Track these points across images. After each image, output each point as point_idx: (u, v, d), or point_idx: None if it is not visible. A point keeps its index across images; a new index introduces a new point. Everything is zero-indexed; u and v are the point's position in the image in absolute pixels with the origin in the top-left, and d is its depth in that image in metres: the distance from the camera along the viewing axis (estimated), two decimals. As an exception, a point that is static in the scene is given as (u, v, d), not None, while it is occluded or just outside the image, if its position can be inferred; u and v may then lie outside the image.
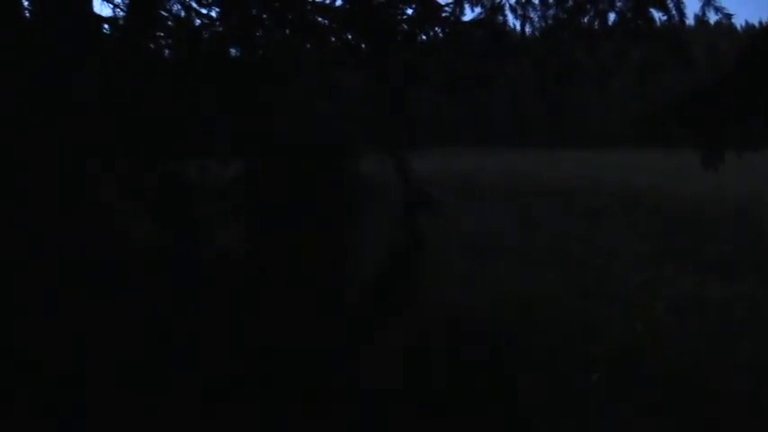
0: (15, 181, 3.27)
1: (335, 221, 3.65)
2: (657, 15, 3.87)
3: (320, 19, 4.60)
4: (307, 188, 3.57)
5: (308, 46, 4.73)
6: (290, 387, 3.20)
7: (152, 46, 4.27)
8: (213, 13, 4.63)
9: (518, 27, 4.29)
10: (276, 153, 3.75)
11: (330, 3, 4.47)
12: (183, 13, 4.62)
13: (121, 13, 4.45)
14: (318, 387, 3.18)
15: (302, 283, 3.53)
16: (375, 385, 3.31)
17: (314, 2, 4.51)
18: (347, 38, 4.54)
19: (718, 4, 3.72)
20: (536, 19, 4.18)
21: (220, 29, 4.47)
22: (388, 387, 3.31)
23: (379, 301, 3.92)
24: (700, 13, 3.74)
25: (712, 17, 3.73)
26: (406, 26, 4.48)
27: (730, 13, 3.72)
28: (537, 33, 4.24)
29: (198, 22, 4.62)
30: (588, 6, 4.02)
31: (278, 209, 3.60)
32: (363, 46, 4.46)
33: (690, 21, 3.97)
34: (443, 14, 4.36)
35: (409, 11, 4.47)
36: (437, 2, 4.38)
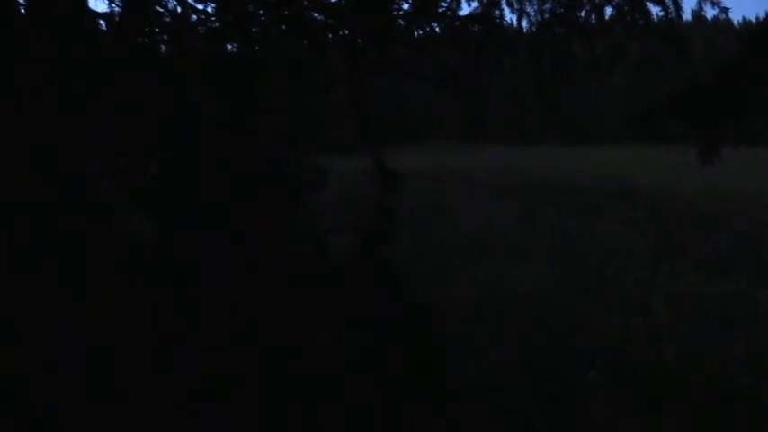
0: (15, 181, 3.26)
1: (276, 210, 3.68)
2: (655, 10, 3.87)
3: (316, 15, 4.58)
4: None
5: (305, 42, 4.71)
6: (291, 382, 3.21)
7: (147, 41, 4.25)
8: (209, 9, 4.61)
9: (514, 22, 4.29)
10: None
11: (326, -2, 4.46)
12: (178, 9, 4.60)
13: (117, 9, 4.43)
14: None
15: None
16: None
17: (310, -3, 4.49)
18: (343, 34, 4.53)
19: (714, -1, 3.71)
20: (532, 13, 4.17)
21: (216, 24, 4.45)
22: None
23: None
24: (697, 8, 3.73)
25: (709, 12, 3.73)
26: (402, 21, 4.46)
27: (727, 6, 3.71)
28: (533, 28, 4.23)
29: (194, 17, 4.61)
30: (584, 0, 4.01)
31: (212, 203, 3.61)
32: (360, 42, 4.45)
33: (687, 16, 3.97)
34: (440, 9, 4.34)
35: (406, 6, 4.46)
36: (434, -4, 4.37)
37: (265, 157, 3.79)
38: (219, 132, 4.09)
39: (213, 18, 4.52)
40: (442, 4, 4.28)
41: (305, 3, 4.55)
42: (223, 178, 3.67)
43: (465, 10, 4.32)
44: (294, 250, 3.88)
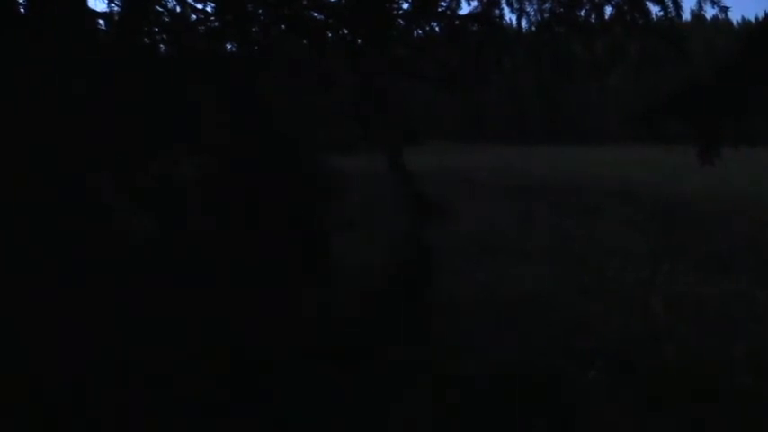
0: (15, 181, 3.26)
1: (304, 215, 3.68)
2: (655, 10, 3.87)
3: (316, 14, 4.58)
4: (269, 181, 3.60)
5: (305, 42, 4.71)
6: (299, 385, 3.21)
7: (147, 41, 4.25)
8: (209, 9, 4.60)
9: (514, 21, 4.30)
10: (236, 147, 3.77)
11: (326, -2, 4.46)
12: (178, 9, 4.59)
13: (116, 8, 4.43)
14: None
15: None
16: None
17: (310, -3, 4.50)
18: (343, 33, 4.53)
19: (714, -2, 3.71)
20: (532, 13, 4.17)
21: (216, 24, 4.45)
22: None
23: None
24: (696, 8, 3.74)
25: (709, 12, 3.73)
26: (402, 21, 4.47)
27: (726, 6, 3.71)
28: (533, 27, 4.23)
29: (193, 17, 4.61)
30: (584, 0, 4.01)
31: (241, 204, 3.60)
32: (359, 41, 4.45)
33: (687, 16, 3.99)
34: (440, 9, 4.34)
35: (405, 5, 4.46)
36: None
37: (267, 158, 3.79)
38: (221, 133, 4.10)
39: (213, 18, 4.52)
40: (442, 3, 4.28)
41: (305, 2, 4.55)
42: (225, 179, 3.67)
43: (465, 9, 4.33)
44: (295, 250, 3.88)
